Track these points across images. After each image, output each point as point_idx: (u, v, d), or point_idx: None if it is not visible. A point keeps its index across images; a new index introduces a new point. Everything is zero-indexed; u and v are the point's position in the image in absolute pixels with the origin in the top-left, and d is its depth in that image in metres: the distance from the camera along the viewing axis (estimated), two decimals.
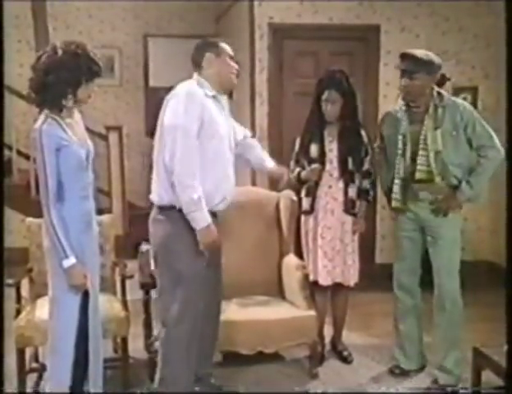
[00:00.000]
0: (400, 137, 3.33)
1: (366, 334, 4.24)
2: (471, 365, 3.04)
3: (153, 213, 2.94)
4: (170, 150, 2.73)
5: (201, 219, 2.75)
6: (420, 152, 3.27)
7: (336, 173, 3.62)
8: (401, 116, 3.35)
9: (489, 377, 3.00)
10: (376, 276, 5.05)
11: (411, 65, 3.22)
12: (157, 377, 2.96)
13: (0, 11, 2.89)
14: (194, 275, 2.83)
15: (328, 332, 3.92)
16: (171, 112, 2.77)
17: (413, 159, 3.30)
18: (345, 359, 3.79)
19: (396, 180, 3.37)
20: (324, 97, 3.58)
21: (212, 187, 2.84)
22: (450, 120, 3.25)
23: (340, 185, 3.62)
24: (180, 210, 2.79)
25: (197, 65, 2.96)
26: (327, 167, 3.60)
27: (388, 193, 3.49)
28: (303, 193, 3.71)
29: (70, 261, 2.62)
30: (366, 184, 3.67)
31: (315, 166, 3.56)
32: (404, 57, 3.27)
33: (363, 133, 3.70)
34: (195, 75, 2.96)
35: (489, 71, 5.33)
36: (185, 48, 7.73)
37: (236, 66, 3.00)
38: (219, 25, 7.45)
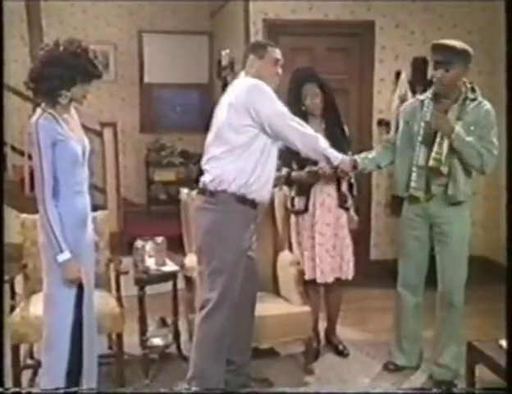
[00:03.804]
0: (423, 124, 3.25)
1: (361, 330, 4.25)
2: (465, 360, 3.05)
3: (199, 201, 3.02)
4: (293, 134, 2.94)
5: (334, 154, 3.08)
6: (437, 139, 3.18)
7: (328, 169, 3.60)
8: (428, 105, 3.26)
9: (482, 372, 3.01)
10: (370, 272, 5.07)
11: (447, 55, 3.11)
12: (190, 366, 3.01)
13: (0, 11, 2.89)
14: (236, 263, 2.93)
15: (322, 327, 3.93)
16: (267, 101, 2.91)
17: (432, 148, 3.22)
18: (341, 353, 3.81)
19: (414, 168, 3.27)
20: (305, 91, 3.61)
21: (264, 180, 3.00)
22: (473, 114, 3.18)
23: (333, 180, 3.62)
24: (230, 194, 2.90)
25: (243, 65, 3.11)
26: (320, 163, 3.59)
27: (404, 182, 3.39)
28: (293, 192, 3.69)
29: (65, 256, 2.62)
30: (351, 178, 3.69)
31: (312, 168, 3.53)
32: (437, 47, 3.17)
33: (345, 127, 3.76)
34: (242, 74, 3.08)
35: (483, 67, 5.33)
36: (180, 44, 7.87)
37: (279, 71, 3.09)
38: (214, 22, 7.44)
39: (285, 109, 2.98)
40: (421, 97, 3.41)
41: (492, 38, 5.19)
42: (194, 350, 3.01)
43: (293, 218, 3.73)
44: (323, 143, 3.05)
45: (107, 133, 6.17)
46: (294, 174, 3.63)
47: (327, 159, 3.12)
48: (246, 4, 5.24)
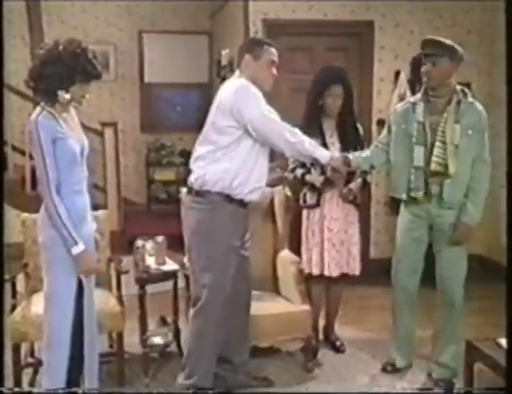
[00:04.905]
0: (416, 125, 3.26)
1: (360, 328, 4.26)
2: (463, 359, 3.06)
3: (187, 200, 3.06)
4: (277, 138, 2.93)
5: (323, 154, 3.04)
6: (437, 143, 3.20)
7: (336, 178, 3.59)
8: (419, 105, 3.29)
9: (481, 371, 3.02)
10: (370, 270, 5.07)
11: (434, 49, 3.19)
12: (183, 357, 3.09)
13: (0, 11, 2.90)
14: (224, 260, 2.95)
15: (321, 324, 3.95)
16: (252, 104, 2.88)
17: (430, 150, 3.22)
18: (338, 349, 3.84)
19: (413, 170, 3.27)
20: (329, 92, 3.62)
21: (252, 182, 2.98)
22: (470, 118, 3.21)
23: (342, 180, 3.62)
24: (216, 194, 2.91)
25: (238, 63, 3.07)
26: (328, 172, 3.58)
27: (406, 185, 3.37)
28: (305, 188, 3.71)
29: (80, 247, 2.64)
30: None
31: (321, 176, 3.55)
32: (427, 42, 3.25)
33: (358, 126, 3.79)
34: (237, 73, 3.05)
35: (482, 67, 5.35)
36: (180, 43, 7.89)
37: (275, 72, 3.06)
38: (214, 21, 7.45)
39: (271, 114, 2.94)
40: (411, 99, 3.43)
41: (492, 38, 5.21)
42: (187, 344, 3.07)
43: (304, 213, 3.75)
44: (309, 145, 3.00)
45: (108, 133, 6.19)
46: (308, 177, 3.65)
47: (315, 160, 3.09)
48: (246, 4, 5.25)
